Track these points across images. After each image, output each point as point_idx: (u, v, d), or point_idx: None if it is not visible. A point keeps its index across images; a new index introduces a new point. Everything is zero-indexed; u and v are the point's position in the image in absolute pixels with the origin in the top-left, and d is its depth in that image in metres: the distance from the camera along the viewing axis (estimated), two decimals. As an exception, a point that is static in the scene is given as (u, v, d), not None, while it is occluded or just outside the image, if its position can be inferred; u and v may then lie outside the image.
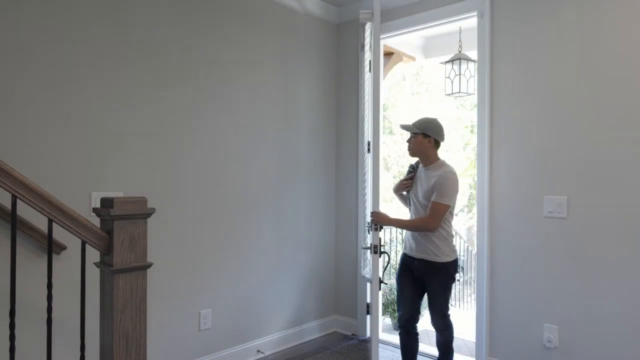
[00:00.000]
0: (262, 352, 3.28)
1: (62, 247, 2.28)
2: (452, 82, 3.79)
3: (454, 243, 2.69)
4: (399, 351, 2.81)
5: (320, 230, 3.77)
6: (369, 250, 2.84)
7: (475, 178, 3.10)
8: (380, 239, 2.68)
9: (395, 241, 5.74)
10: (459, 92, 3.78)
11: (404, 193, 2.79)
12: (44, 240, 2.17)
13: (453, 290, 6.57)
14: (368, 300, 3.66)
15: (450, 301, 2.69)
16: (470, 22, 3.19)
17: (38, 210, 1.50)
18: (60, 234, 2.13)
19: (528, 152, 2.83)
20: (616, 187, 2.52)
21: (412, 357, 2.72)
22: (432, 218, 2.51)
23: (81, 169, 2.41)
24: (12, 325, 1.53)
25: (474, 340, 3.10)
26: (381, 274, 2.81)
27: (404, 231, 3.16)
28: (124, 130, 2.56)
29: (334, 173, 3.88)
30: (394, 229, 5.46)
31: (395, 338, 3.52)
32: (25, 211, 1.93)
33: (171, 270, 2.77)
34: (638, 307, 2.45)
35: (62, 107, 2.34)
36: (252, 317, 3.25)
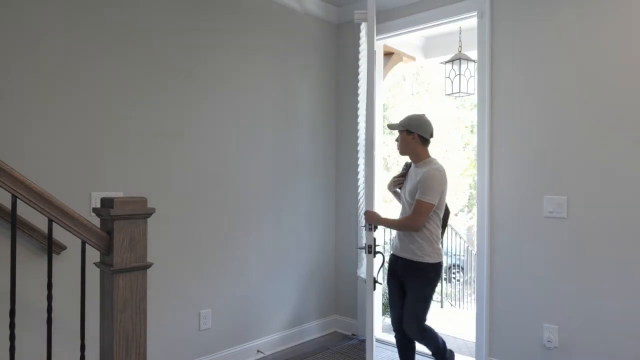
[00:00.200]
0: (262, 352, 3.28)
1: (62, 247, 2.28)
2: (452, 82, 3.80)
3: (440, 246, 2.56)
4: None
5: (320, 230, 3.77)
6: (364, 250, 2.83)
7: (475, 178, 3.10)
8: (374, 239, 2.65)
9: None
10: (459, 92, 3.78)
11: (398, 190, 2.77)
12: (44, 240, 2.17)
13: (453, 290, 6.58)
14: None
15: (427, 312, 2.52)
16: (470, 22, 3.19)
17: (38, 210, 1.50)
18: (60, 234, 2.13)
19: (528, 152, 2.83)
20: (616, 187, 2.52)
21: (411, 358, 2.69)
22: (415, 216, 2.45)
23: (81, 169, 2.41)
24: (12, 325, 1.53)
25: (474, 340, 3.10)
26: (376, 274, 2.78)
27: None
28: (124, 130, 2.57)
29: (334, 173, 3.89)
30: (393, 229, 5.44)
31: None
32: (25, 211, 1.93)
33: (171, 270, 2.77)
34: (638, 307, 2.45)
35: (62, 107, 2.34)
36: (252, 317, 3.25)
